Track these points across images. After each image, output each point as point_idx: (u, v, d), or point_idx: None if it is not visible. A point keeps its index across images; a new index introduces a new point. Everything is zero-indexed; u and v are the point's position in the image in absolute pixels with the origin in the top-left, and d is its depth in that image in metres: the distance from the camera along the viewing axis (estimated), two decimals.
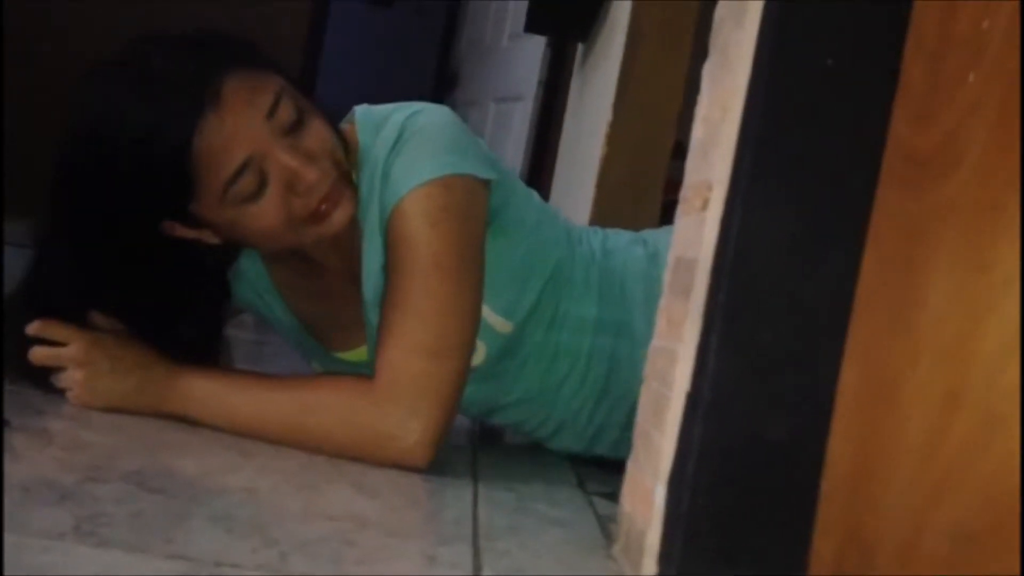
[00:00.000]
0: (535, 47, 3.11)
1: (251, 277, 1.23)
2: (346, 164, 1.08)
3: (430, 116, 1.10)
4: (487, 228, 1.11)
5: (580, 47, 2.65)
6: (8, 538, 0.61)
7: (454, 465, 1.13)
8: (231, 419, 1.03)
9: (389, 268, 1.07)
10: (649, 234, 1.34)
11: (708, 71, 0.82)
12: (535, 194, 1.27)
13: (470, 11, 4.00)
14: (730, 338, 0.71)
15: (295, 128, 1.02)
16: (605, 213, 1.86)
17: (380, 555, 0.72)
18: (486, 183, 1.10)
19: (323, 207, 1.04)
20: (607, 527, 0.94)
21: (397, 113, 1.11)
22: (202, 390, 1.04)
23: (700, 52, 1.74)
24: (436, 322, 1.03)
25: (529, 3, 2.49)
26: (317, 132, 1.04)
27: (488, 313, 1.13)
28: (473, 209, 1.08)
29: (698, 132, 0.82)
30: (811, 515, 0.71)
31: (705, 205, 0.76)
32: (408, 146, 1.07)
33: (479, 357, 1.14)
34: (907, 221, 0.63)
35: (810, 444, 0.71)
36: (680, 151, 1.82)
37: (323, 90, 4.36)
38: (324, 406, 1.02)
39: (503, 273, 1.13)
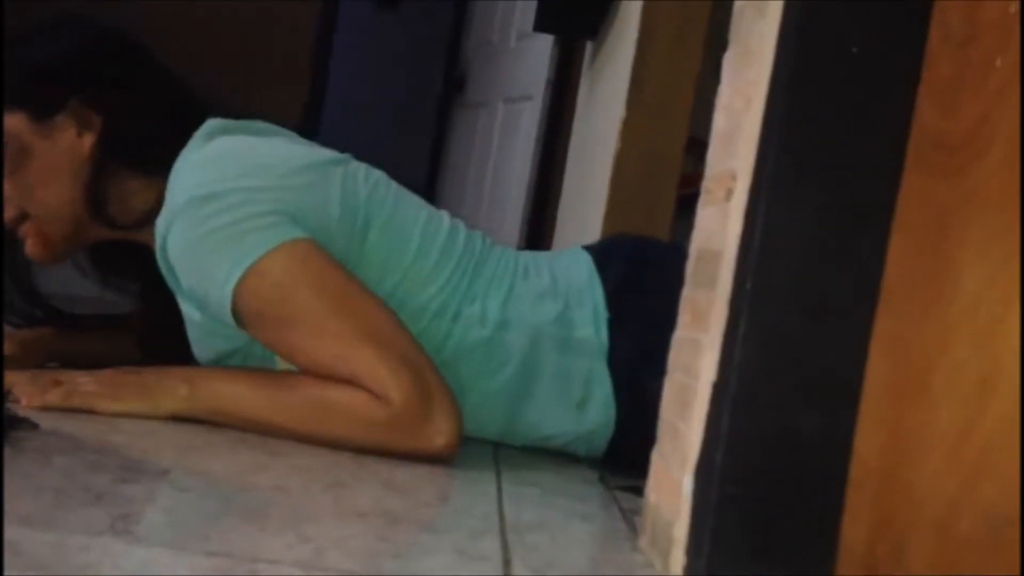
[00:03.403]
0: (543, 46, 3.11)
1: None
2: (39, 215, 1.16)
3: (191, 220, 1.05)
4: None
5: (589, 45, 2.65)
6: (46, 537, 0.61)
7: (477, 462, 1.13)
8: (246, 420, 1.05)
9: (281, 345, 1.07)
10: (559, 267, 1.25)
11: (729, 61, 0.82)
12: (415, 240, 1.16)
13: (477, 12, 4.01)
14: (757, 327, 0.71)
15: None
16: (619, 208, 1.87)
17: (412, 550, 0.73)
18: (298, 240, 1.05)
19: (18, 233, 1.17)
20: (632, 520, 0.94)
21: (177, 198, 1.07)
22: (216, 391, 1.06)
23: (712, 47, 1.73)
24: (361, 326, 1.04)
25: (538, 2, 2.49)
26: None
27: None
28: (302, 262, 1.05)
29: (719, 122, 0.82)
30: (840, 503, 0.71)
31: (729, 195, 0.76)
32: (188, 262, 1.06)
33: None
34: (936, 208, 0.64)
35: (838, 432, 0.71)
36: (694, 146, 1.83)
37: (333, 94, 4.37)
38: (340, 412, 1.03)
39: None
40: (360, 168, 1.18)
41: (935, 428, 0.60)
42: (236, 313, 1.06)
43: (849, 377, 0.71)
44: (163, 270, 1.11)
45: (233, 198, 1.05)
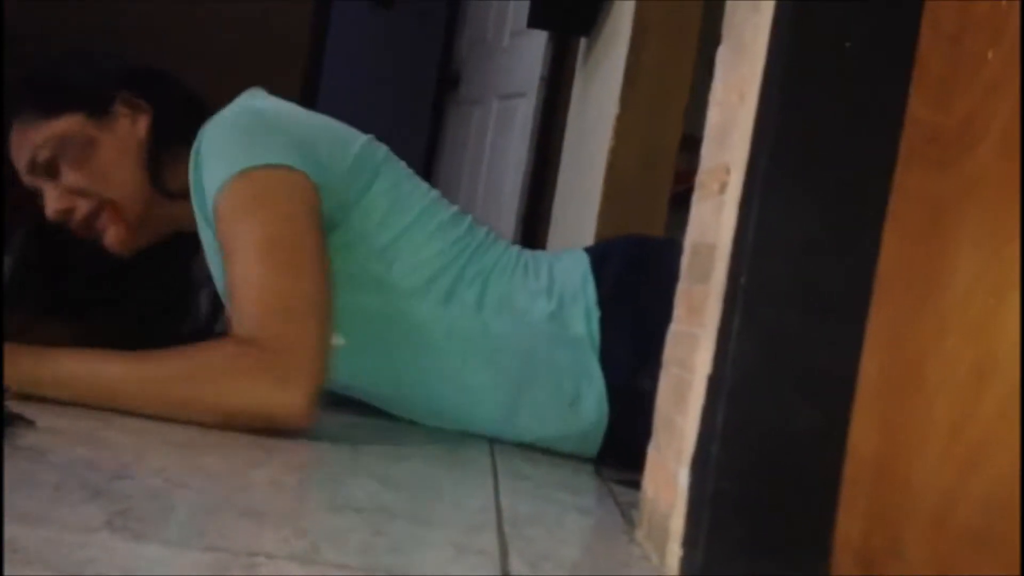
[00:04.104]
0: (537, 43, 3.12)
1: None
2: (117, 196, 1.24)
3: (223, 120, 1.16)
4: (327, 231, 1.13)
5: (583, 41, 2.65)
6: (43, 533, 0.61)
7: (473, 456, 1.14)
8: (103, 396, 1.03)
9: (226, 260, 1.10)
10: (558, 268, 1.27)
11: (722, 56, 0.82)
12: (418, 205, 1.22)
13: (471, 10, 4.01)
14: (752, 320, 0.72)
15: (51, 172, 1.24)
16: (614, 205, 1.87)
17: (409, 544, 0.73)
18: (296, 170, 1.11)
19: (96, 227, 1.25)
20: (628, 513, 0.95)
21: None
22: (72, 368, 1.04)
23: (705, 42, 1.74)
24: (283, 287, 1.05)
25: None
26: (70, 178, 1.24)
27: None
28: (287, 192, 1.11)
29: (713, 117, 0.82)
30: (836, 496, 0.71)
31: (723, 189, 0.77)
32: (206, 155, 1.14)
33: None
34: (929, 200, 0.64)
35: (833, 425, 0.72)
36: (688, 143, 1.83)
37: (327, 92, 4.37)
38: (200, 378, 1.02)
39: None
40: (384, 146, 1.27)
41: (930, 420, 0.61)
42: (215, 211, 1.10)
43: (844, 370, 0.71)
44: (192, 183, 1.16)
45: (263, 119, 1.16)
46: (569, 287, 1.23)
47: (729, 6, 0.83)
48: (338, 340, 1.15)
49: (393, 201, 1.20)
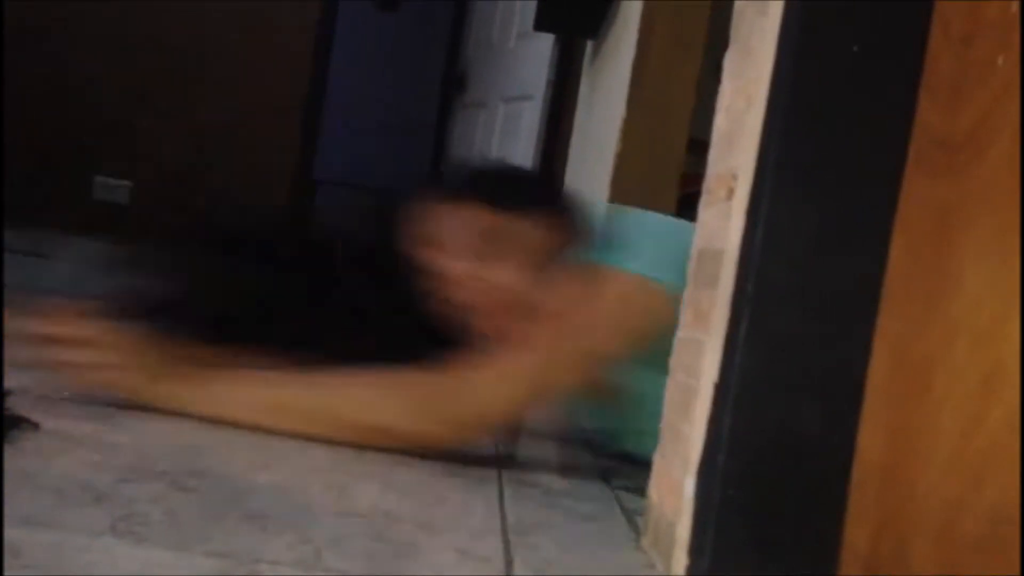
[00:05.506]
0: (543, 46, 3.12)
1: None
2: None
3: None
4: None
5: (589, 45, 2.65)
6: (46, 537, 0.61)
7: (477, 462, 1.13)
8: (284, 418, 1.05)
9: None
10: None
11: (729, 61, 0.82)
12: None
13: (477, 12, 4.01)
14: (758, 327, 0.71)
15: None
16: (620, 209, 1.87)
17: (413, 550, 0.73)
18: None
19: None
20: (634, 520, 0.94)
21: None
22: (256, 391, 1.06)
23: (712, 47, 1.73)
24: (548, 374, 1.10)
25: (538, 1, 2.49)
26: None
27: None
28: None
29: (720, 122, 0.82)
30: (843, 504, 0.71)
31: (730, 195, 0.76)
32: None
33: None
34: (937, 207, 0.63)
35: (840, 432, 0.71)
36: (694, 146, 1.83)
37: (333, 95, 4.37)
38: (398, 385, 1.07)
39: None
40: None
41: (938, 428, 0.60)
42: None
43: (851, 377, 0.71)
44: None
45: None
46: None
47: (737, 10, 0.82)
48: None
49: None
